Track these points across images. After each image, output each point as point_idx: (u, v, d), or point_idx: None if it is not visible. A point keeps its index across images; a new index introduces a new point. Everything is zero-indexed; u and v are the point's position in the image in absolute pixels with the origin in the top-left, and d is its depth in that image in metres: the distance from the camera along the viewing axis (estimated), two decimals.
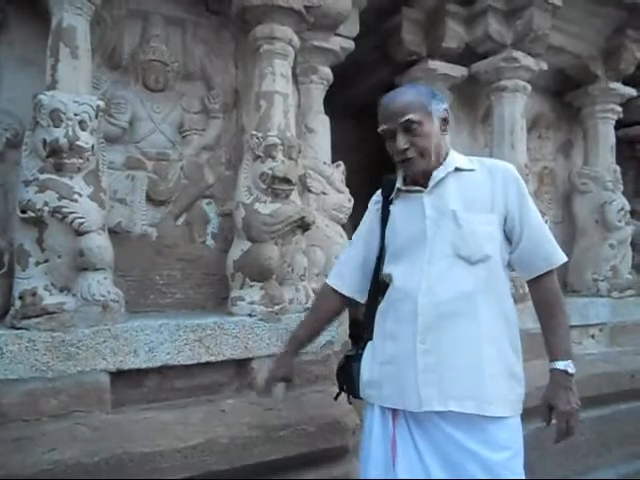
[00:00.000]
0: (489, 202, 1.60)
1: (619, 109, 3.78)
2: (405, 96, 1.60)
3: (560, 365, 1.58)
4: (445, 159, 1.63)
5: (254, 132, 2.34)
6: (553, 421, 1.60)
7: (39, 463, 1.71)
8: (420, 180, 1.64)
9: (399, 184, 1.70)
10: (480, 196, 1.60)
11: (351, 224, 3.76)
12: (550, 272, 1.63)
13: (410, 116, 1.55)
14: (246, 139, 2.41)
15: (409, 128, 1.56)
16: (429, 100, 1.59)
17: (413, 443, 1.58)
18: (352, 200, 2.78)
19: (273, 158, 2.28)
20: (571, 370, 1.58)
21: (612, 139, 3.79)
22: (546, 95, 3.88)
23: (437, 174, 1.61)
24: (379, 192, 1.78)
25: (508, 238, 1.63)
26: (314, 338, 2.00)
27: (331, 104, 4.20)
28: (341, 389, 1.82)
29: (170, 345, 2.07)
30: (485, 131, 3.56)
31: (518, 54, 3.16)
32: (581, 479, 1.78)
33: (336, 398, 1.86)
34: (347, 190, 2.79)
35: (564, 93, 3.90)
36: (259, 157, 2.31)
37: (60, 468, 1.72)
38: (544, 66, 3.30)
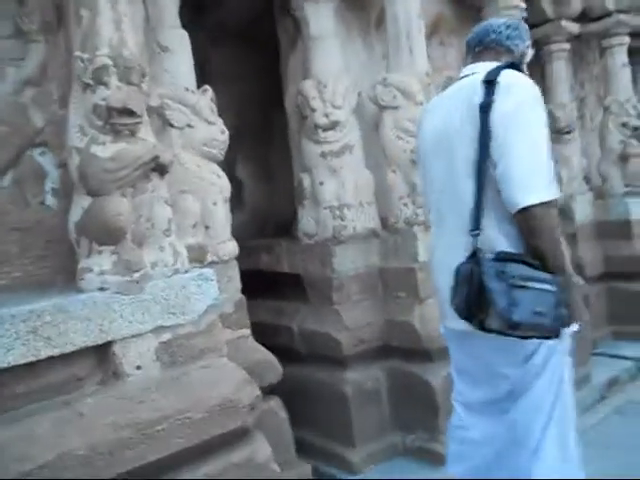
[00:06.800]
0: None
1: (523, 5, 3.45)
2: None
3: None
4: None
5: (77, 53, 1.80)
6: None
7: None
8: None
9: None
10: None
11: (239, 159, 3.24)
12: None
13: None
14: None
15: None
16: None
17: None
18: (226, 132, 2.30)
19: (106, 85, 1.77)
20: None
21: None
22: None
23: None
24: None
25: None
26: None
27: (206, 25, 3.62)
28: None
29: None
30: (381, 39, 3.12)
31: None
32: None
33: None
34: (220, 120, 2.31)
35: None
36: (88, 85, 1.79)
37: None
38: None
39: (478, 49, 1.73)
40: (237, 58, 3.68)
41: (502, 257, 1.53)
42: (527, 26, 1.78)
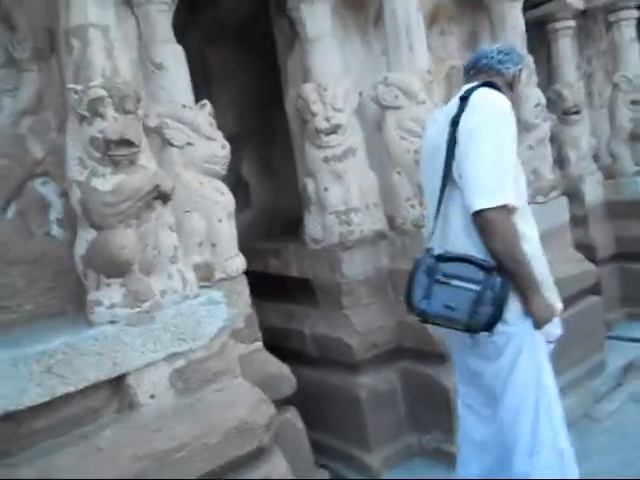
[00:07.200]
0: None
1: None
2: None
3: None
4: None
5: (71, 85, 1.77)
6: None
7: None
8: None
9: None
10: None
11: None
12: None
13: None
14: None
15: None
16: None
17: None
18: (227, 146, 2.27)
19: (102, 116, 1.74)
20: None
21: (521, 25, 3.36)
22: None
23: None
24: None
25: None
26: None
27: (201, 24, 3.55)
28: None
29: (9, 383, 1.60)
30: (379, 36, 3.04)
31: None
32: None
33: None
34: (220, 134, 2.27)
35: None
36: (84, 117, 1.76)
37: None
38: None
39: (472, 72, 1.85)
40: (235, 57, 3.61)
41: (442, 257, 1.69)
42: (520, 52, 1.97)
